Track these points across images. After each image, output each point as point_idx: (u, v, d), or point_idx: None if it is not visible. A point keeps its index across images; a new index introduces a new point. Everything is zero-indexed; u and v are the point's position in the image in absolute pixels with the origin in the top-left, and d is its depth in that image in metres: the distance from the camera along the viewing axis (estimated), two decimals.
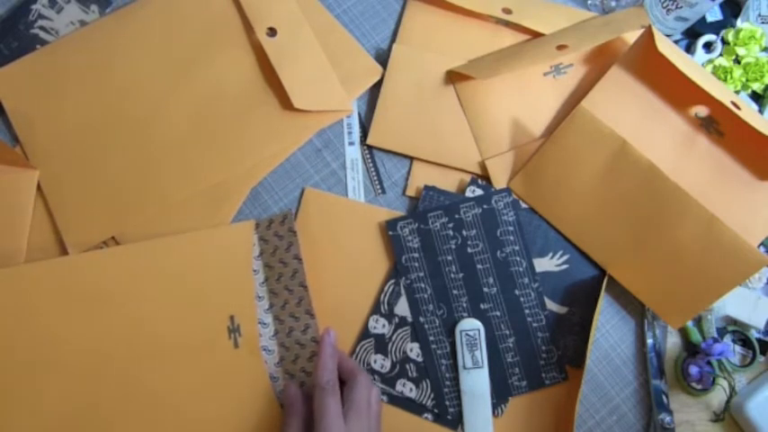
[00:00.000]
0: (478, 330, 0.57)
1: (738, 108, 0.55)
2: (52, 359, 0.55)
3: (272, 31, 0.62)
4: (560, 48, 0.58)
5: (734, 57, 0.62)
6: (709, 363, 0.56)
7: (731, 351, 0.58)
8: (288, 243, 0.58)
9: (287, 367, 0.56)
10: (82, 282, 0.56)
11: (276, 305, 0.57)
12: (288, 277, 0.57)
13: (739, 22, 0.63)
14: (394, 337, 0.58)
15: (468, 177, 0.61)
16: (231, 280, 0.57)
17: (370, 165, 0.62)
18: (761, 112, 0.61)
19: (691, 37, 0.64)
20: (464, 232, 0.58)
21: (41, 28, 0.63)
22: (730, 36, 0.62)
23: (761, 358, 0.58)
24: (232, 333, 0.57)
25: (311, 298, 0.57)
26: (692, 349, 0.58)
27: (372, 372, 0.57)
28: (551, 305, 0.58)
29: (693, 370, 0.56)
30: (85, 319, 0.56)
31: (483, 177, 0.61)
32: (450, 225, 0.58)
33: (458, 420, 0.57)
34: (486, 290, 0.58)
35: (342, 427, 0.48)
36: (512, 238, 0.58)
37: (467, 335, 0.57)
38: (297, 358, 0.57)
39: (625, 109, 0.59)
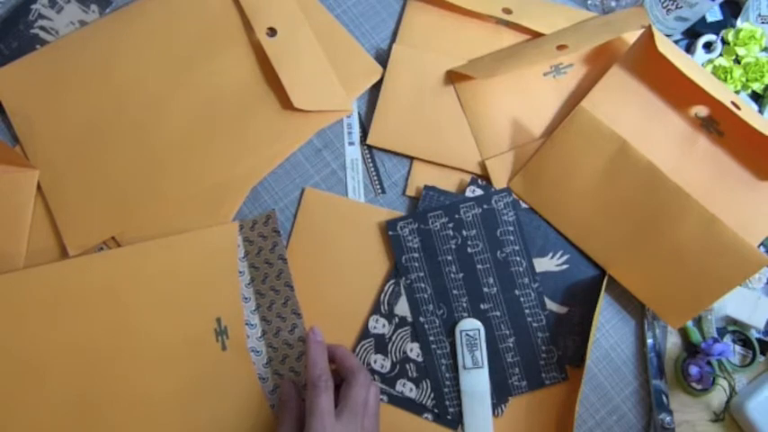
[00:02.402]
0: (478, 330, 0.57)
1: (738, 108, 0.55)
2: (44, 363, 0.55)
3: (272, 31, 0.61)
4: (560, 48, 0.58)
5: (734, 57, 0.62)
6: (709, 363, 0.56)
7: (731, 351, 0.58)
8: (272, 243, 0.58)
9: (276, 368, 0.56)
10: (65, 287, 0.56)
11: (263, 306, 0.57)
12: (273, 278, 0.57)
13: (739, 22, 0.63)
14: (394, 337, 0.58)
15: (468, 177, 0.61)
16: (217, 282, 0.57)
17: (370, 165, 0.62)
18: (761, 112, 0.61)
19: (691, 37, 0.64)
20: (464, 232, 0.58)
21: (41, 28, 0.63)
22: (730, 36, 0.62)
23: (761, 358, 0.58)
24: (219, 335, 0.56)
25: (297, 298, 0.57)
26: (692, 349, 0.58)
27: (372, 372, 0.57)
28: (551, 305, 0.58)
29: (693, 370, 0.56)
30: (73, 323, 0.56)
31: (483, 177, 0.61)
32: (450, 225, 0.58)
33: (458, 420, 0.57)
34: (486, 290, 0.58)
35: (333, 425, 0.47)
36: (512, 238, 0.58)
37: (467, 335, 0.57)
38: (285, 358, 0.56)
39: (625, 109, 0.59)
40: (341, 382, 0.52)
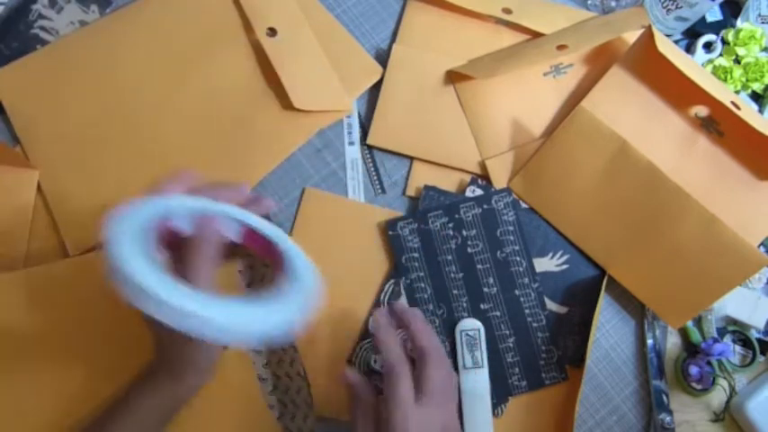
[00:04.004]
0: (478, 330, 0.57)
1: (738, 108, 0.55)
2: (45, 363, 0.55)
3: (272, 31, 0.61)
4: (560, 48, 0.58)
5: (734, 57, 0.62)
6: (709, 363, 0.56)
7: (731, 351, 0.58)
8: None
9: (274, 369, 0.56)
10: (65, 287, 0.56)
11: None
12: (267, 281, 0.57)
13: (739, 22, 0.63)
14: None
15: (468, 177, 0.61)
16: (216, 279, 0.57)
17: (370, 165, 0.62)
18: (761, 112, 0.61)
19: (691, 37, 0.64)
20: (464, 232, 0.58)
21: (41, 28, 0.63)
22: (730, 36, 0.62)
23: (761, 358, 0.58)
24: None
25: None
26: (692, 349, 0.58)
27: (372, 372, 0.57)
28: (551, 305, 0.58)
29: (693, 370, 0.56)
30: (74, 323, 0.55)
31: (483, 177, 0.61)
32: (450, 225, 0.58)
33: None
34: (486, 290, 0.58)
35: (414, 412, 0.44)
36: (512, 238, 0.58)
37: (467, 335, 0.57)
38: (280, 361, 0.56)
39: (625, 109, 0.59)
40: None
